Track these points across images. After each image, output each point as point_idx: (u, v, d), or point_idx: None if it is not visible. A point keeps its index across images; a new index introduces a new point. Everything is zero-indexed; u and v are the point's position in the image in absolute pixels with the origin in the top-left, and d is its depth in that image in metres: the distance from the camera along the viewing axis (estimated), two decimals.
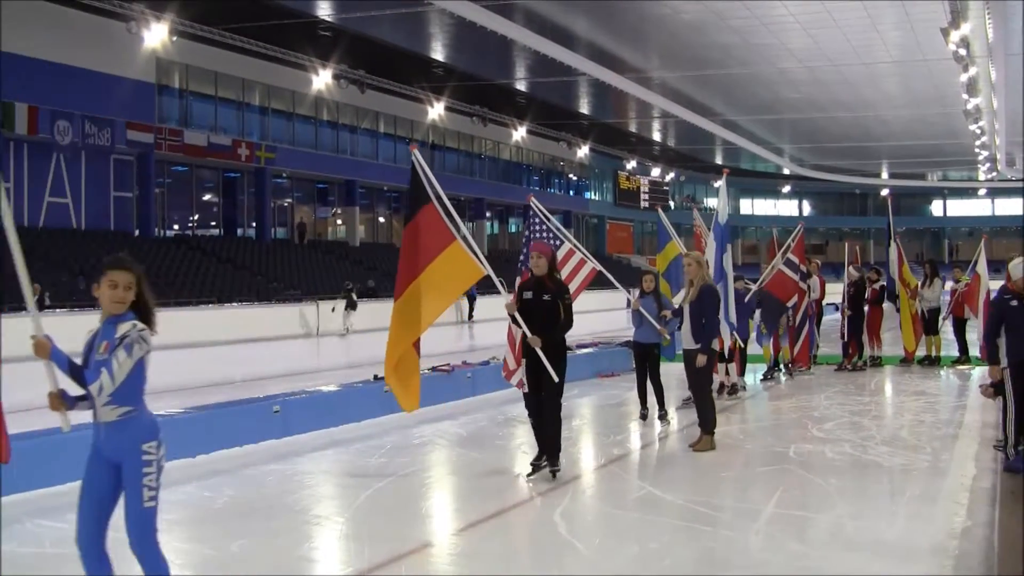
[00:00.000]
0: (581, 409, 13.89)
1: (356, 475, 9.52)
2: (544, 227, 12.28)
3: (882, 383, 16.30)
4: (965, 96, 41.87)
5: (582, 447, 11.21)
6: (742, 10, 31.74)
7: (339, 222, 47.81)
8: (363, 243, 47.15)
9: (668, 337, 12.72)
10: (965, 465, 9.39)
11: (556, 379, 8.89)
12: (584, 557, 6.74)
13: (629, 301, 13.56)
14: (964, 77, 37.45)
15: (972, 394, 14.19)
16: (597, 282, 13.35)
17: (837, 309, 19.01)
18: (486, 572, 6.49)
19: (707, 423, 10.44)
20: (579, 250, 12.85)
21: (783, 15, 32.37)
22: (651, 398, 12.60)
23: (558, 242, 12.26)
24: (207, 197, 40.91)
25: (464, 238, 8.93)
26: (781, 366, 17.00)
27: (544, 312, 9.03)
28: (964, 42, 32.10)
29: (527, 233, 12.24)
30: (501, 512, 8.05)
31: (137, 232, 34.78)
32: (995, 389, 10.20)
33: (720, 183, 15.04)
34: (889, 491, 8.85)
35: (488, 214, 56.32)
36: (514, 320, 9.17)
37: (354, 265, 42.02)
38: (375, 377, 13.30)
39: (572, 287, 12.01)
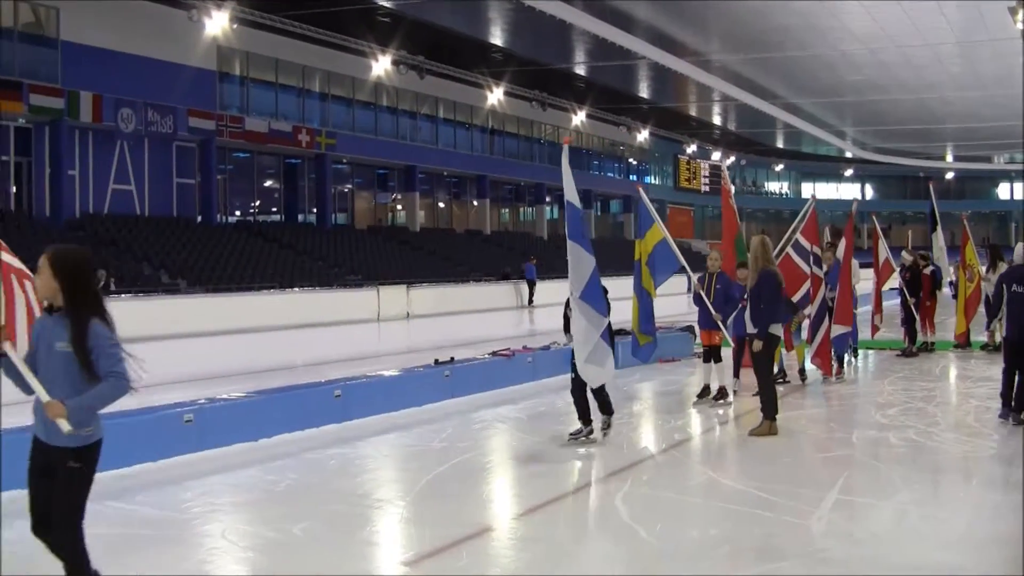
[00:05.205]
0: (642, 394, 13.85)
1: (417, 459, 9.56)
2: None
3: (947, 369, 16.04)
4: None
5: (643, 432, 11.19)
6: None
7: (399, 208, 47.95)
8: (423, 228, 47.26)
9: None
10: None
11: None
12: (645, 542, 6.72)
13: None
14: None
15: None
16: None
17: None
18: (547, 556, 6.50)
19: (769, 408, 10.35)
20: None
21: None
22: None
23: None
24: (268, 183, 41.24)
25: None
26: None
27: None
28: None
29: None
30: (562, 496, 8.05)
31: (199, 218, 35.16)
32: None
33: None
34: (954, 479, 8.73)
35: (548, 199, 56.20)
36: None
37: (414, 251, 42.22)
38: (436, 362, 13.35)
39: None
